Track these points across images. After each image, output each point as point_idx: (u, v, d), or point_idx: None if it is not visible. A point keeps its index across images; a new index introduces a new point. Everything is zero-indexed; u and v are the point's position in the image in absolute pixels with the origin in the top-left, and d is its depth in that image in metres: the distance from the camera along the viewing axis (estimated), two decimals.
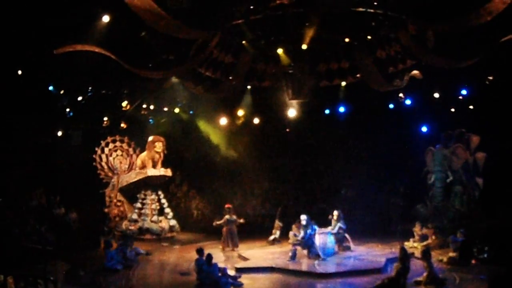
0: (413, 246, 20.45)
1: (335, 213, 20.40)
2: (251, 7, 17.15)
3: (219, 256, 19.44)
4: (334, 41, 20.24)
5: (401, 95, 22.78)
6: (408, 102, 23.36)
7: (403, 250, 14.99)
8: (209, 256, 15.55)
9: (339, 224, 20.07)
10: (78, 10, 15.93)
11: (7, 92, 20.43)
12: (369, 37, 19.57)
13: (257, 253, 20.04)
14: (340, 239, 19.94)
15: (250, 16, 17.60)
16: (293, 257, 18.45)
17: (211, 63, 20.65)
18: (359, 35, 19.57)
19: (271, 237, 22.43)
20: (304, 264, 17.94)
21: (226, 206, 22.35)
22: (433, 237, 20.68)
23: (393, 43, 19.50)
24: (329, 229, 19.76)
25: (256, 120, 26.28)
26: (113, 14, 16.09)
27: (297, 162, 28.49)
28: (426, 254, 15.33)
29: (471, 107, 23.13)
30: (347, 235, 20.18)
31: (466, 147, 22.42)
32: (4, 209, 19.41)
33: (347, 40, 19.78)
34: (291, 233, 20.12)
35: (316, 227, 19.06)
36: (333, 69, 21.62)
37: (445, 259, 17.90)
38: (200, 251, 15.77)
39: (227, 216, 21.68)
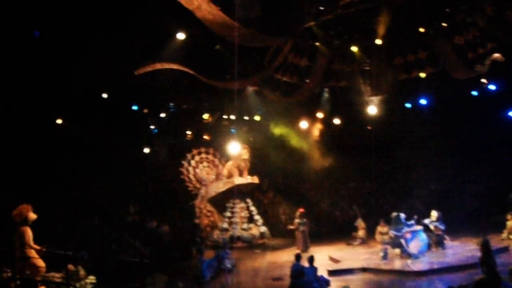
0: (508, 238, 19.58)
1: (434, 213, 19.78)
2: (321, 8, 17.12)
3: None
4: (408, 33, 19.84)
5: (484, 80, 21.87)
6: (492, 87, 22.38)
7: (485, 243, 14.34)
8: (311, 258, 15.45)
9: (435, 224, 19.39)
10: (154, 30, 16.50)
11: (94, 115, 21.47)
12: (444, 24, 19.01)
13: (348, 255, 19.82)
14: (439, 241, 19.28)
15: (321, 17, 17.57)
16: (385, 256, 18.13)
17: (287, 68, 20.78)
18: (434, 24, 19.07)
19: (356, 241, 22.18)
20: (397, 263, 17.54)
21: (299, 210, 22.59)
22: None
23: (470, 27, 18.86)
24: (427, 221, 19.18)
25: (336, 121, 26.05)
26: (187, 30, 16.55)
27: (382, 159, 27.99)
28: None
29: None
30: (446, 236, 19.50)
31: None
32: (101, 226, 20.30)
33: (422, 30, 19.31)
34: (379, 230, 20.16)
35: (411, 224, 18.62)
36: (411, 61, 21.16)
37: None
38: (298, 257, 15.68)
39: (297, 220, 22.17)
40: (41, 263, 12.04)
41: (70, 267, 12.90)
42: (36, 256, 11.99)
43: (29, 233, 11.97)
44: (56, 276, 12.66)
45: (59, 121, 21.92)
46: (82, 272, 13.47)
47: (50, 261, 12.69)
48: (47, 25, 15.59)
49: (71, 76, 18.37)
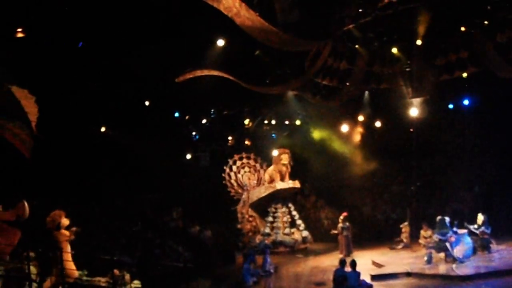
0: None
1: (480, 217, 19.40)
2: (360, 10, 17.01)
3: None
4: (449, 32, 19.52)
5: None
6: None
7: None
8: (354, 262, 15.30)
9: (481, 227, 18.98)
10: (195, 37, 16.72)
11: (137, 123, 21.87)
12: (486, 22, 18.61)
13: (391, 259, 19.60)
14: (485, 245, 18.89)
15: (360, 20, 17.45)
16: (429, 261, 17.85)
17: (327, 72, 20.67)
18: (475, 22, 18.69)
19: (399, 245, 21.92)
20: (442, 268, 17.30)
21: (343, 214, 22.39)
22: None
23: None
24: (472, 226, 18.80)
25: (378, 124, 25.83)
26: (227, 37, 16.71)
27: (425, 162, 27.51)
28: None
29: None
30: (492, 240, 19.12)
31: None
32: (145, 232, 20.61)
33: (463, 29, 18.98)
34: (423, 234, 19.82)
35: (455, 229, 18.29)
36: (452, 61, 20.77)
37: None
38: (342, 262, 15.53)
39: (340, 224, 21.92)
40: (72, 266, 12.27)
41: (116, 272, 13.14)
42: (69, 259, 12.24)
43: (62, 237, 12.19)
44: (102, 281, 12.93)
45: (102, 129, 22.41)
46: (127, 277, 13.71)
47: (95, 266, 12.97)
48: (90, 36, 15.97)
49: (114, 84, 18.76)
